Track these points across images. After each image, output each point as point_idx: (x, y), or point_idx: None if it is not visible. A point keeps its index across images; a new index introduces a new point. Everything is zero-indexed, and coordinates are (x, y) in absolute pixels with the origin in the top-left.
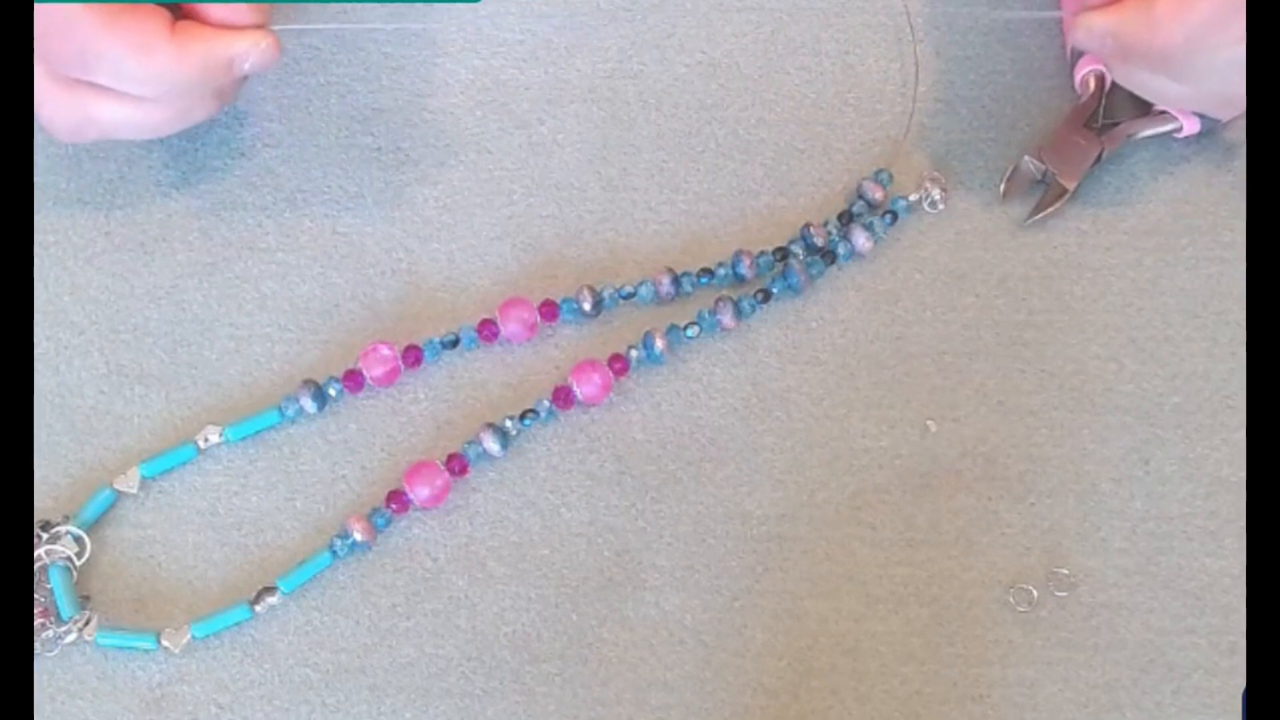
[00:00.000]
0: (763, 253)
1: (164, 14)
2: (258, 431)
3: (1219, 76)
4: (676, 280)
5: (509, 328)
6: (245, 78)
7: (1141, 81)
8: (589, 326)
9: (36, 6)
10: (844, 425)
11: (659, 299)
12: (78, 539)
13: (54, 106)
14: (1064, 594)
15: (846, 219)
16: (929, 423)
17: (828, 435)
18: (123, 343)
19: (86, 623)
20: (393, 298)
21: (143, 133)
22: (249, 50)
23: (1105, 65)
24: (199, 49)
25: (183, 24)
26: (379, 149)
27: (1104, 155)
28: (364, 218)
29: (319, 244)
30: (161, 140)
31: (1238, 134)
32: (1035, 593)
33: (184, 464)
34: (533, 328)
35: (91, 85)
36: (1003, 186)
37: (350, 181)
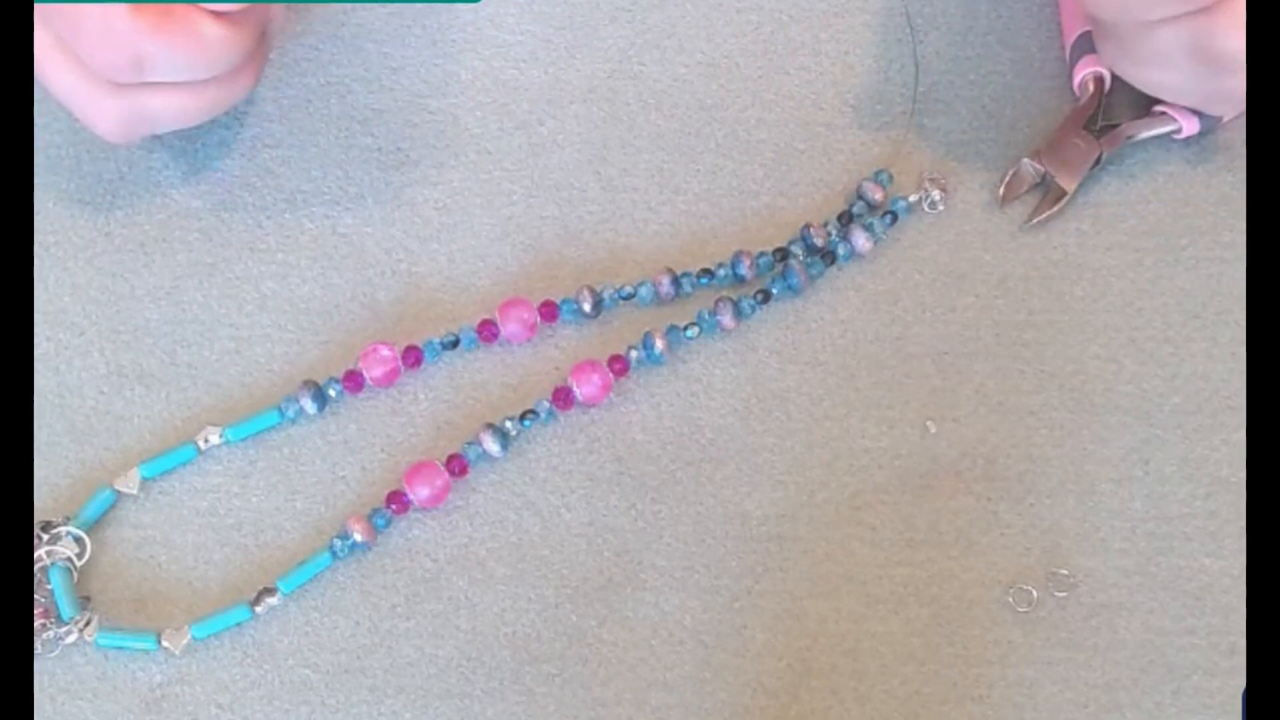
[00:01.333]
0: (763, 253)
1: None
2: (258, 432)
3: (1169, 59)
4: (676, 280)
5: (509, 328)
6: (271, 44)
7: (1125, 67)
8: (589, 327)
9: (81, 20)
10: (844, 425)
11: (659, 299)
12: (78, 539)
13: (104, 112)
14: (1064, 594)
15: (846, 219)
16: (929, 423)
17: (828, 435)
18: (123, 343)
19: (87, 623)
20: (393, 298)
21: (194, 119)
22: None
23: (1098, 53)
24: (242, 14)
25: None
26: (379, 149)
27: (1103, 157)
28: (364, 218)
29: (319, 244)
30: (161, 140)
31: (1238, 134)
32: (1035, 593)
33: (184, 464)
34: (533, 328)
35: (142, 85)
36: (1001, 190)
37: (350, 181)
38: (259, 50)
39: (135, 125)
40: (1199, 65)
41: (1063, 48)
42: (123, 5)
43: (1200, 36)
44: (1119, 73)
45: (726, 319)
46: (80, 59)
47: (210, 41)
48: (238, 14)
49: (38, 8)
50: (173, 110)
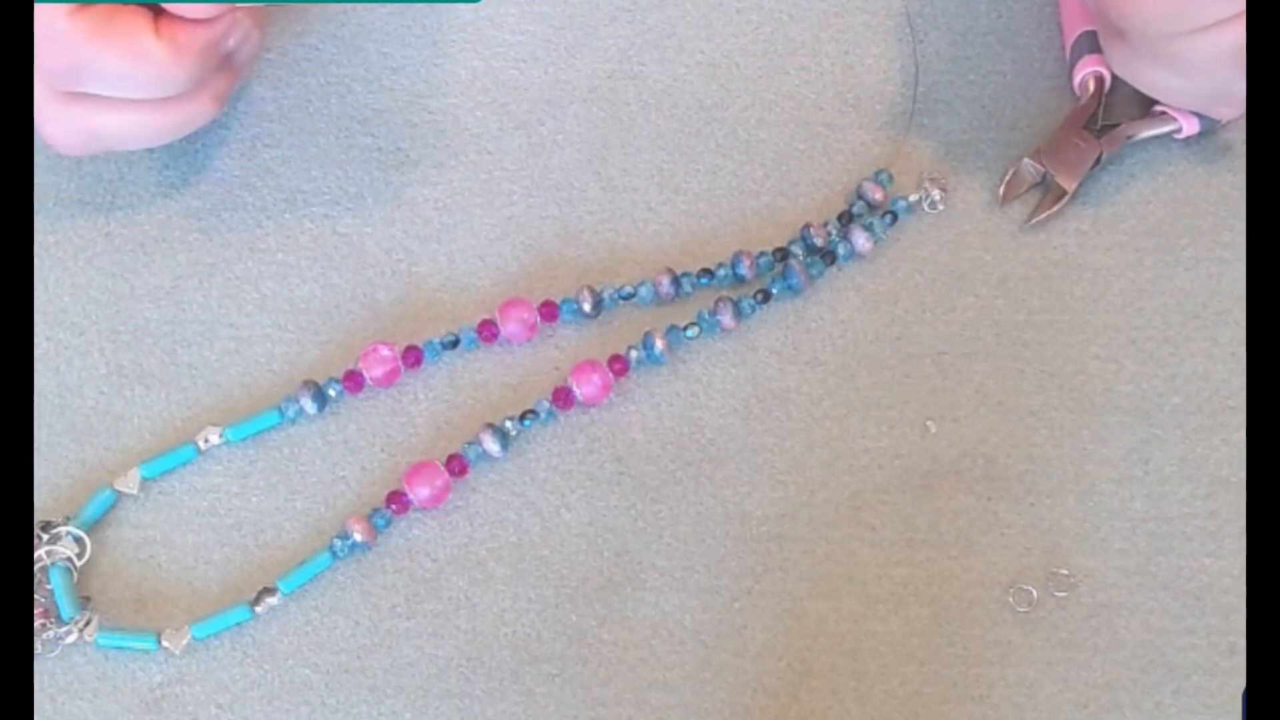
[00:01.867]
0: (763, 253)
1: (145, 13)
2: (258, 432)
3: (1204, 67)
4: (676, 280)
5: (509, 328)
6: (238, 75)
7: (1139, 73)
8: (589, 327)
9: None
10: (844, 425)
11: (659, 299)
12: (78, 539)
13: (56, 123)
14: (1064, 594)
15: (846, 219)
16: (929, 423)
17: (828, 435)
18: (123, 343)
19: (87, 623)
20: (393, 298)
21: (145, 140)
22: (232, 29)
23: (1106, 59)
24: (188, 38)
25: (165, 19)
26: (379, 149)
27: (1103, 157)
28: (364, 218)
29: (319, 244)
30: None
31: (1238, 134)
32: (1035, 593)
33: (184, 464)
34: (533, 328)
35: (91, 97)
36: (1001, 190)
37: (350, 181)
38: (219, 79)
39: (85, 140)
40: (1226, 69)
41: (1063, 48)
42: (65, 5)
43: (1241, 40)
44: (1128, 77)
45: (726, 319)
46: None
47: (151, 58)
48: (183, 37)
49: None
50: (124, 129)
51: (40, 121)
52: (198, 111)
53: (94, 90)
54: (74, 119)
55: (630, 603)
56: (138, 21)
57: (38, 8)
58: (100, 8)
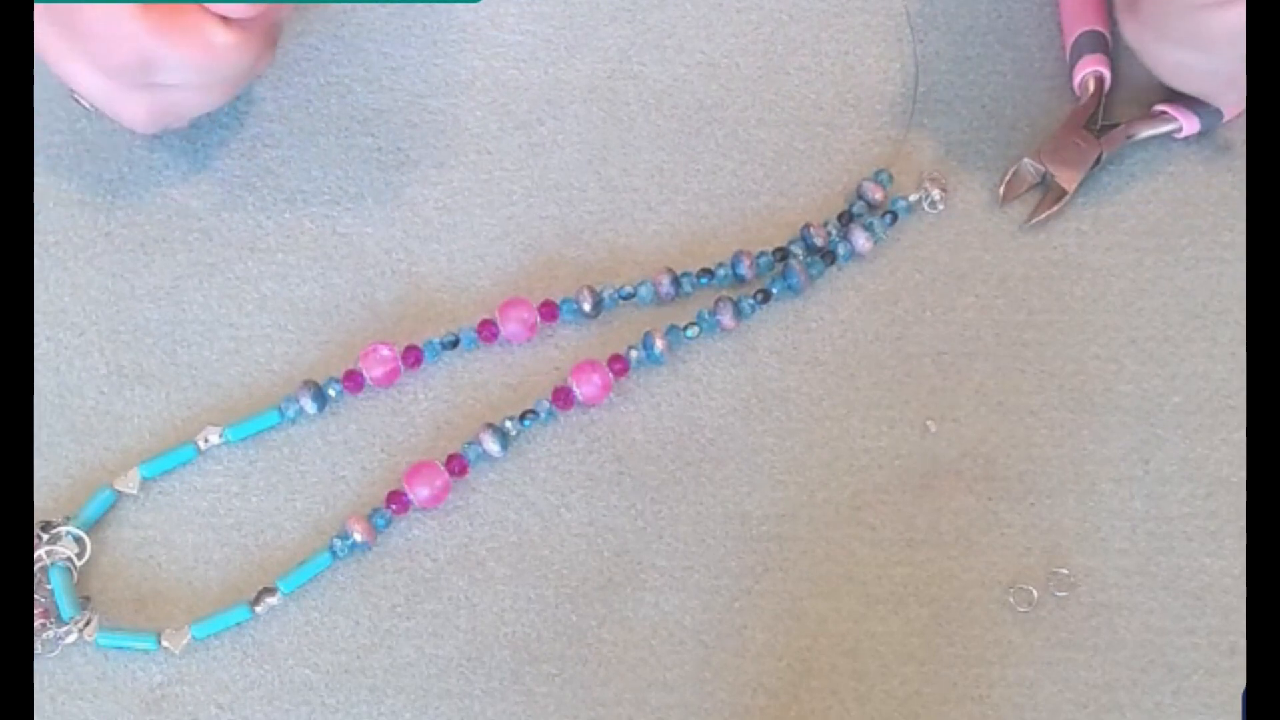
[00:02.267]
0: (763, 253)
1: (206, 5)
2: (258, 432)
3: (1219, 43)
4: (676, 280)
5: (509, 328)
6: (281, 31)
7: (1153, 50)
8: (589, 327)
9: (88, 21)
10: (844, 425)
11: (659, 299)
12: (78, 539)
13: (131, 108)
14: (1064, 594)
15: (846, 219)
16: (929, 423)
17: (828, 435)
18: (123, 343)
19: (87, 623)
20: (393, 298)
21: (213, 106)
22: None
23: (1122, 33)
24: (257, 22)
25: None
26: (379, 149)
27: (1103, 157)
28: (364, 218)
29: (319, 244)
30: (161, 140)
31: (1238, 134)
32: (1035, 593)
33: (184, 464)
34: (533, 328)
35: (161, 84)
36: (1001, 189)
37: (350, 181)
38: (271, 33)
39: (160, 117)
40: (1242, 47)
41: (1063, 48)
42: (130, 5)
43: None
44: (1141, 54)
45: (726, 319)
46: (100, 61)
47: (219, 49)
48: (248, 22)
49: (49, 11)
50: (194, 103)
51: (116, 110)
52: (260, 68)
53: (165, 81)
54: (148, 103)
55: (630, 603)
56: (203, 15)
57: (104, 9)
58: (164, 6)
